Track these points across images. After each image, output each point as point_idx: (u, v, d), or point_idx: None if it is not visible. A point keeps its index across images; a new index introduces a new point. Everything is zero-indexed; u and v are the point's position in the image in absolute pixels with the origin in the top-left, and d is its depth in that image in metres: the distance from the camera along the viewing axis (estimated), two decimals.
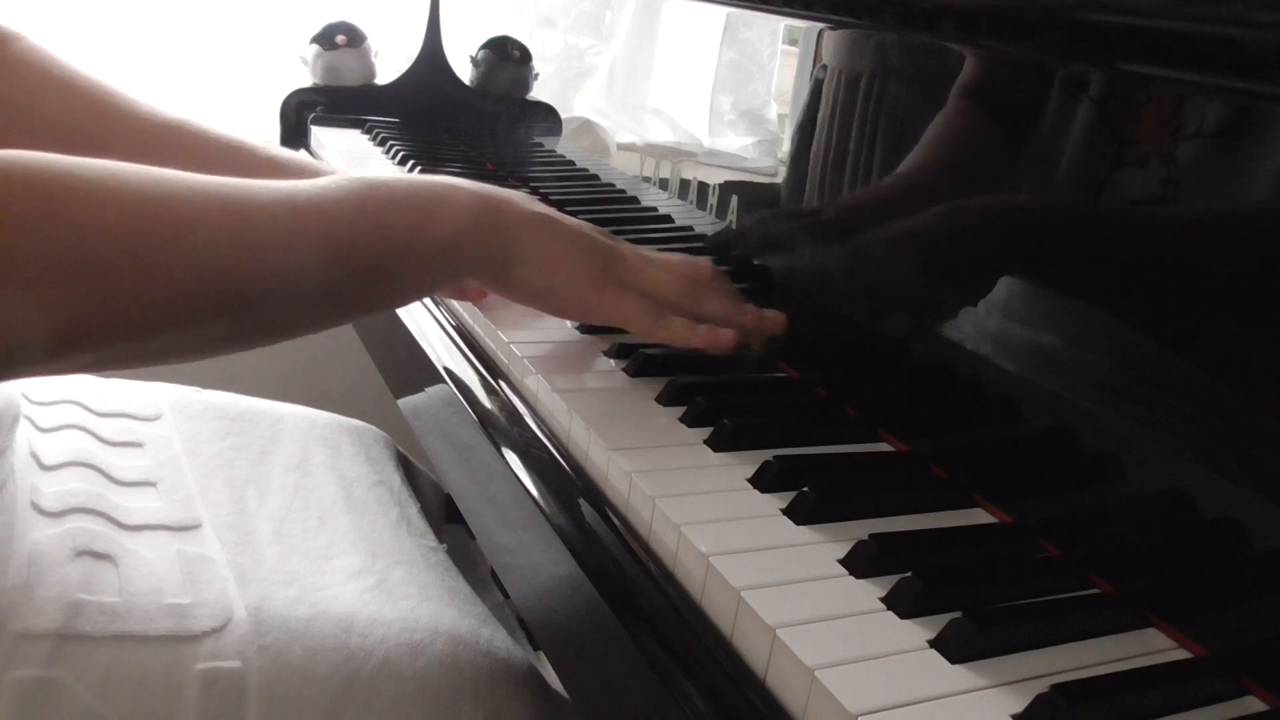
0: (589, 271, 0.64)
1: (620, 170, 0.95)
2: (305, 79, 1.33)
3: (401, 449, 0.99)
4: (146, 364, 0.54)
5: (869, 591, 0.47)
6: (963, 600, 0.45)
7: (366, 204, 0.57)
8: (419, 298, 0.62)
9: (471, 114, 1.27)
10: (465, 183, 0.63)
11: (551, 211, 0.65)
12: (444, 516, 0.97)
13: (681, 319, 0.65)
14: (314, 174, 0.78)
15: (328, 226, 0.55)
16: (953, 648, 0.43)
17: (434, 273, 0.62)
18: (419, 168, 1.11)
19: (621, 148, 0.96)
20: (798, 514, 0.52)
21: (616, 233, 0.86)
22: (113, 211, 0.47)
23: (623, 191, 0.95)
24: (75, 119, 0.76)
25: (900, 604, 0.45)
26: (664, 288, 0.66)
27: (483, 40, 1.24)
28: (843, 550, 0.49)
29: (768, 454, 0.56)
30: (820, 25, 0.68)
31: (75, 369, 0.52)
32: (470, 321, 0.76)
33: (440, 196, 0.60)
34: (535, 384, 0.65)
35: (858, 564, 0.48)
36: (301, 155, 0.82)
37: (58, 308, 0.46)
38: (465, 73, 1.29)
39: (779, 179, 0.74)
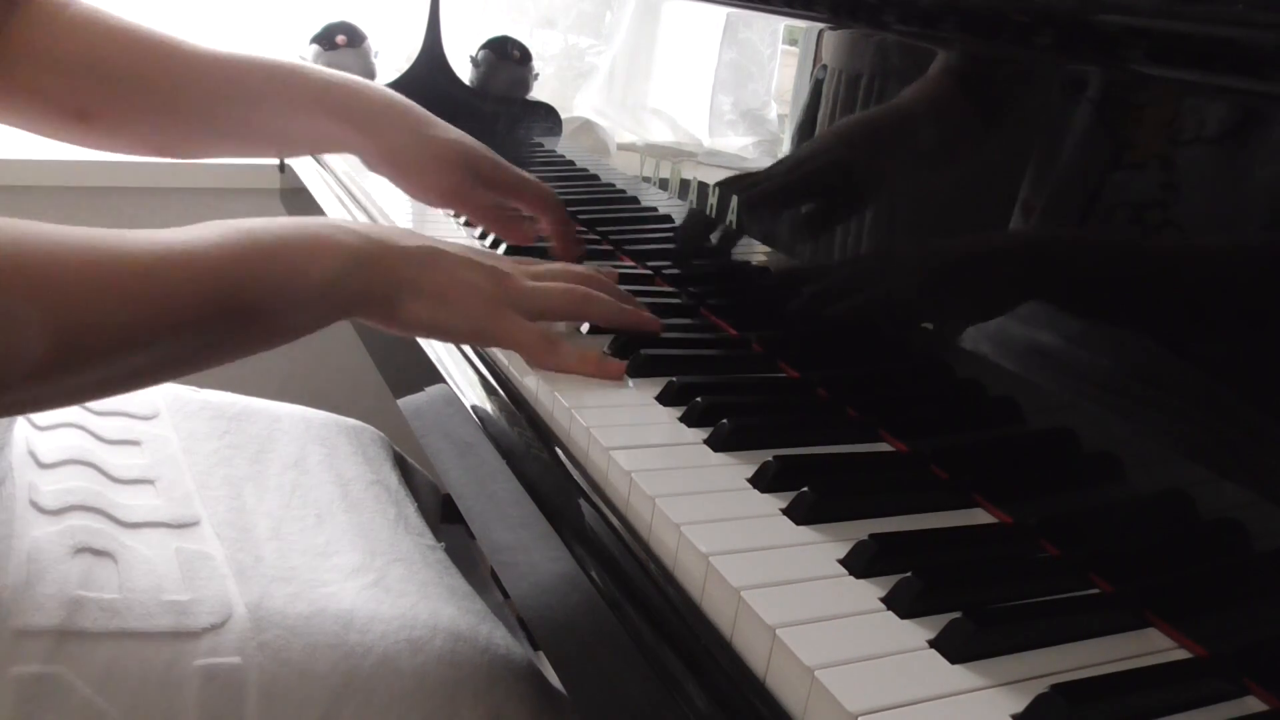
0: (479, 299, 0.64)
1: (620, 170, 0.95)
2: None
3: (398, 449, 0.99)
4: (16, 413, 0.54)
5: (869, 591, 0.47)
6: (963, 600, 0.45)
7: (238, 251, 0.57)
8: (305, 334, 0.62)
9: (471, 114, 1.27)
10: (348, 223, 0.63)
11: (435, 241, 0.65)
12: (440, 516, 0.97)
13: (571, 349, 0.66)
14: (373, 94, 0.81)
15: (198, 275, 0.55)
16: (953, 648, 0.43)
17: (315, 314, 0.61)
18: None
19: (621, 148, 0.96)
20: (797, 514, 0.52)
21: (616, 234, 0.87)
22: None
23: (623, 191, 0.95)
24: (144, 70, 0.78)
25: (900, 604, 0.45)
26: (552, 301, 0.67)
27: (483, 40, 1.24)
28: (843, 550, 0.49)
29: (767, 454, 0.56)
30: (820, 25, 0.68)
31: None
32: None
33: (315, 237, 0.60)
34: (535, 384, 0.65)
35: (858, 564, 0.48)
36: (365, 81, 0.83)
37: None
38: (465, 73, 1.29)
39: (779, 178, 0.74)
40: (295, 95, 0.80)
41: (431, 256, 0.64)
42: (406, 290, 0.63)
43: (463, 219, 1.01)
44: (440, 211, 1.00)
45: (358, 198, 1.09)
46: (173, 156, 0.84)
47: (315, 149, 0.86)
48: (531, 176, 0.84)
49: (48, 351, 0.49)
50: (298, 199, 1.27)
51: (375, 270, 0.62)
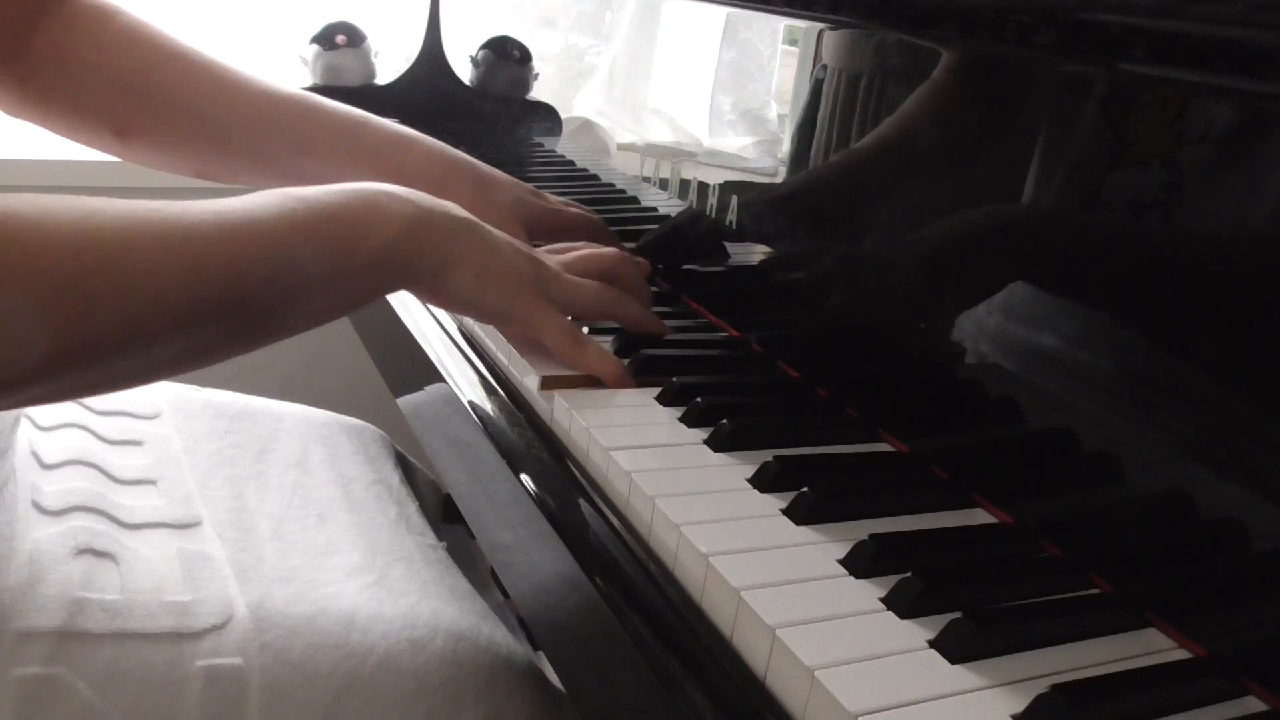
0: (517, 281, 0.64)
1: (620, 170, 0.95)
2: (305, 79, 1.33)
3: (399, 448, 0.99)
4: (101, 392, 0.54)
5: (869, 591, 0.47)
6: (963, 600, 0.45)
7: (298, 219, 0.56)
8: (358, 308, 0.62)
9: (471, 114, 1.27)
10: (397, 189, 0.62)
11: (475, 218, 0.65)
12: (441, 515, 0.97)
13: (596, 348, 0.66)
14: (433, 155, 0.79)
15: (263, 243, 0.54)
16: (953, 648, 0.43)
17: (371, 283, 0.61)
18: None
19: (621, 148, 0.96)
20: (797, 514, 0.52)
21: (616, 234, 0.87)
22: (48, 253, 0.47)
23: (623, 191, 0.95)
24: (195, 94, 0.77)
25: (900, 604, 0.45)
26: (586, 299, 0.68)
27: (483, 40, 1.24)
28: (843, 550, 0.49)
29: (767, 454, 0.56)
30: (820, 25, 0.68)
31: (29, 402, 0.52)
32: (470, 321, 0.76)
33: (373, 205, 0.59)
34: (534, 383, 0.65)
35: (858, 564, 0.48)
36: (424, 137, 0.82)
37: (2, 351, 0.45)
38: (465, 73, 1.29)
39: (779, 179, 0.74)
40: (349, 149, 0.79)
41: (475, 230, 0.64)
42: (452, 261, 0.62)
43: None
44: None
45: None
46: (212, 181, 0.82)
47: None
48: (580, 209, 0.85)
49: (128, 327, 0.49)
50: None
51: (426, 240, 0.61)
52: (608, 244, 0.83)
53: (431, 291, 0.64)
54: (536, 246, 0.73)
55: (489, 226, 0.65)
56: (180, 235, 0.51)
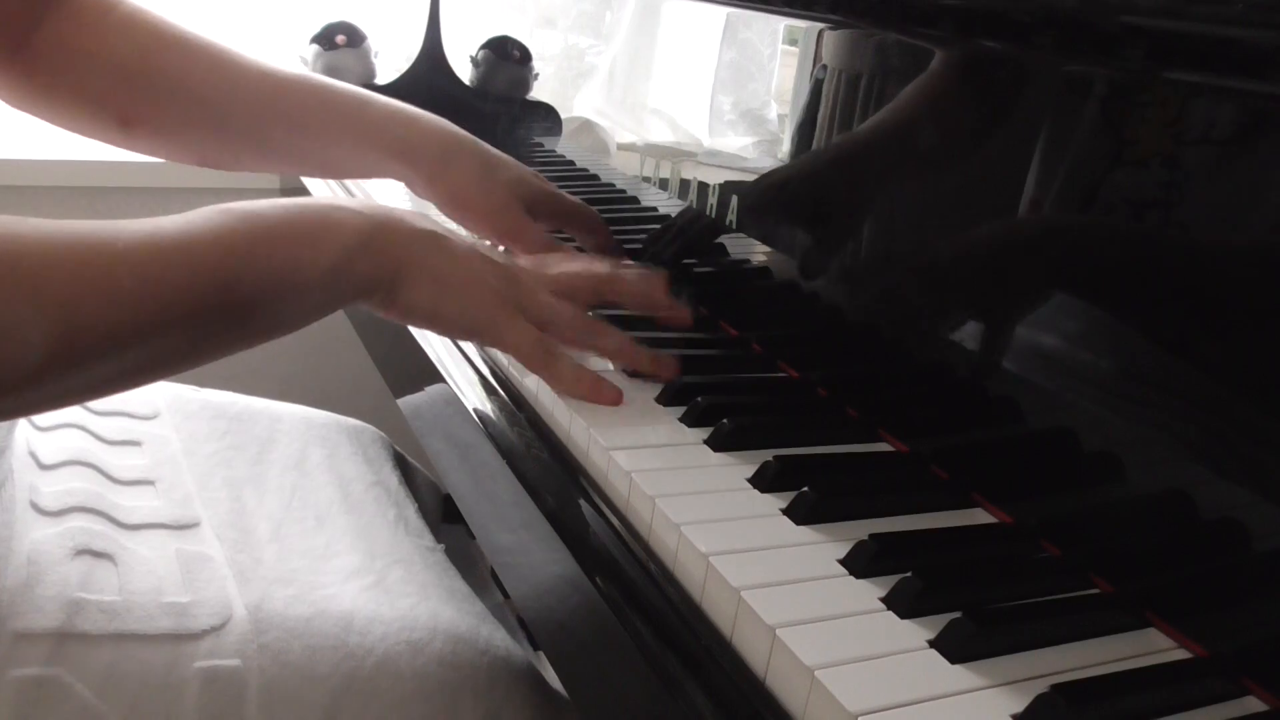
0: (482, 292, 0.61)
1: (620, 170, 0.95)
2: None
3: (399, 448, 0.99)
4: (13, 417, 0.52)
5: (869, 591, 0.47)
6: (963, 600, 0.45)
7: (237, 238, 0.54)
8: (308, 323, 0.59)
9: (471, 114, 1.27)
10: (351, 202, 0.60)
11: (442, 229, 0.62)
12: (441, 516, 0.97)
13: (570, 363, 0.62)
14: (436, 131, 0.78)
15: (194, 267, 0.52)
16: (953, 648, 0.43)
17: (321, 300, 0.59)
18: None
19: (621, 148, 0.96)
20: (797, 514, 0.52)
21: (616, 233, 0.87)
22: None
23: (623, 191, 0.95)
24: (196, 80, 0.76)
25: (900, 604, 0.45)
26: (560, 316, 0.63)
27: (483, 40, 1.24)
28: (843, 550, 0.49)
29: (768, 454, 0.56)
30: (820, 25, 0.68)
31: None
32: None
33: (322, 220, 0.58)
34: (535, 384, 0.65)
35: (858, 564, 0.48)
36: (427, 114, 0.80)
37: None
38: (465, 73, 1.29)
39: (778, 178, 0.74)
40: (351, 128, 0.78)
41: (437, 240, 0.61)
42: (408, 273, 0.60)
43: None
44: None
45: (357, 197, 1.09)
46: (216, 168, 0.82)
47: (369, 177, 0.83)
48: (580, 201, 0.84)
49: (43, 353, 0.47)
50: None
51: (381, 253, 0.59)
52: (603, 238, 0.82)
53: (386, 305, 0.61)
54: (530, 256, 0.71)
55: (453, 236, 0.62)
56: (103, 261, 0.50)
